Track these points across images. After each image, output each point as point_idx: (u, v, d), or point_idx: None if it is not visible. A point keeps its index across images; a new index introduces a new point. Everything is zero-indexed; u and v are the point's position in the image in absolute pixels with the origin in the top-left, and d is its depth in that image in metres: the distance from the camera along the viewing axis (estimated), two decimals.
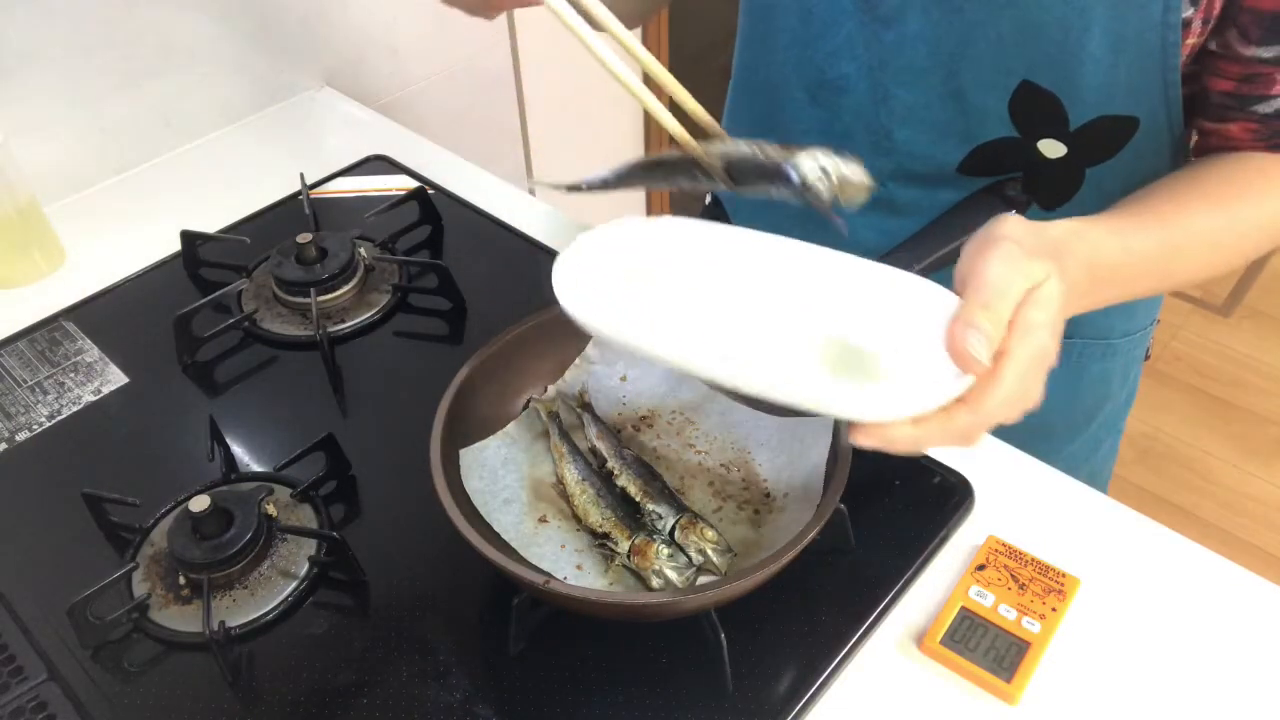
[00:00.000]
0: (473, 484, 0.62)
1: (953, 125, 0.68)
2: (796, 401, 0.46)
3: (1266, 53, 0.58)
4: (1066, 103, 0.64)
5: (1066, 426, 0.84)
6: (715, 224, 0.56)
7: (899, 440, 0.45)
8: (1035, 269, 0.47)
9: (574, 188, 0.61)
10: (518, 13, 1.44)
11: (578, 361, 0.70)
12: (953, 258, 0.68)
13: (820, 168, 0.50)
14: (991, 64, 0.64)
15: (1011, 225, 0.49)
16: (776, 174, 0.51)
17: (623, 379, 0.71)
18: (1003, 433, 0.83)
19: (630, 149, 1.87)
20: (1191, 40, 0.61)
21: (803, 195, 0.50)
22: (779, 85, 0.74)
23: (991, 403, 0.45)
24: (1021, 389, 0.46)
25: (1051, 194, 0.70)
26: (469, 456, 0.63)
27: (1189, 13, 0.58)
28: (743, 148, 0.53)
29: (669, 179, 0.58)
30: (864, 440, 0.46)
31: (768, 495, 0.64)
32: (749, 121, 0.83)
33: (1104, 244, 0.54)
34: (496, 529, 0.60)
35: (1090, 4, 0.59)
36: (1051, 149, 0.67)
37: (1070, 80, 0.62)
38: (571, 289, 0.51)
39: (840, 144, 0.72)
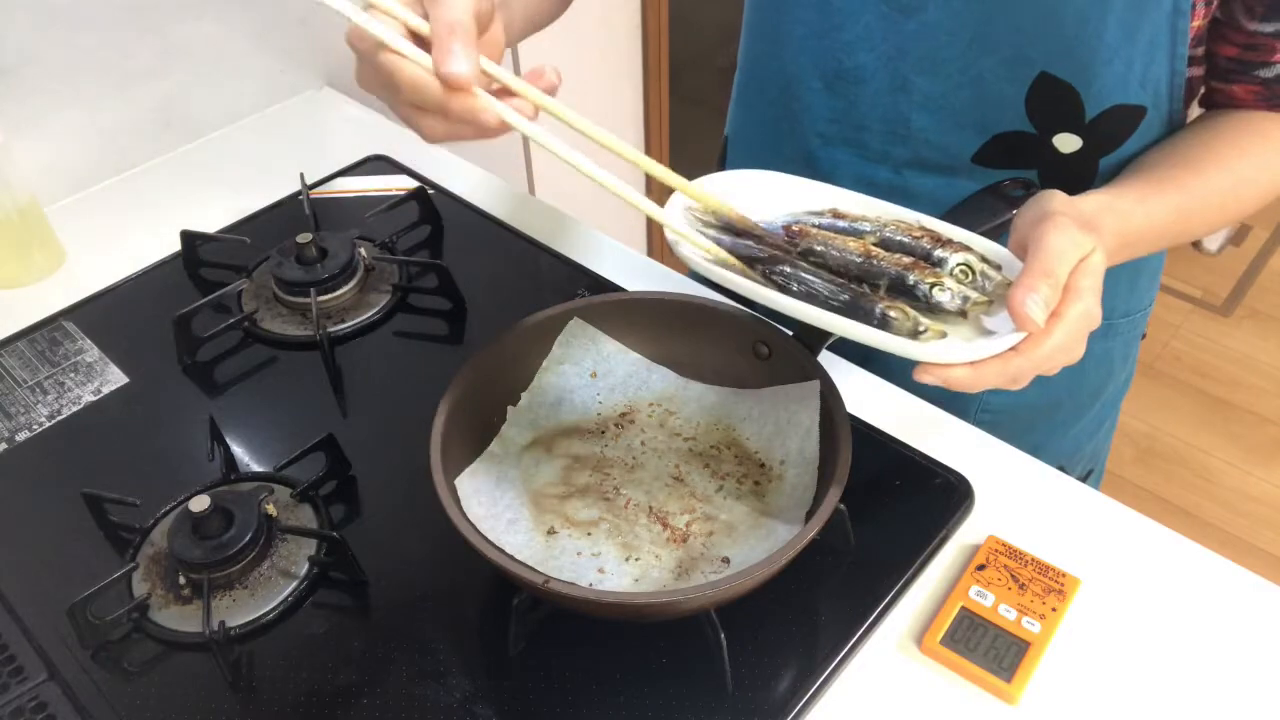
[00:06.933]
0: (475, 511, 0.59)
1: (970, 114, 0.69)
2: (873, 343, 0.52)
3: (1268, 28, 0.63)
4: (1083, 94, 0.65)
5: (1074, 405, 0.86)
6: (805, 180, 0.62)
7: (956, 380, 0.51)
8: (1085, 241, 0.52)
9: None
10: None
11: (545, 364, 0.68)
12: None
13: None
14: (1010, 53, 0.65)
15: (1060, 201, 0.55)
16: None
17: (593, 375, 0.69)
18: (1018, 413, 0.84)
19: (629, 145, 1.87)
20: (1196, 23, 0.62)
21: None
22: (793, 76, 0.75)
23: (1040, 353, 0.51)
24: (1068, 344, 0.51)
25: (1068, 190, 0.71)
26: (464, 484, 0.61)
27: None
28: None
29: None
30: (925, 378, 0.51)
31: (763, 466, 0.64)
32: (760, 114, 0.83)
33: (1132, 214, 0.60)
34: (509, 552, 0.57)
35: None
36: (1067, 143, 0.68)
37: (1087, 71, 0.64)
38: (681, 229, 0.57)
39: (856, 133, 0.74)
